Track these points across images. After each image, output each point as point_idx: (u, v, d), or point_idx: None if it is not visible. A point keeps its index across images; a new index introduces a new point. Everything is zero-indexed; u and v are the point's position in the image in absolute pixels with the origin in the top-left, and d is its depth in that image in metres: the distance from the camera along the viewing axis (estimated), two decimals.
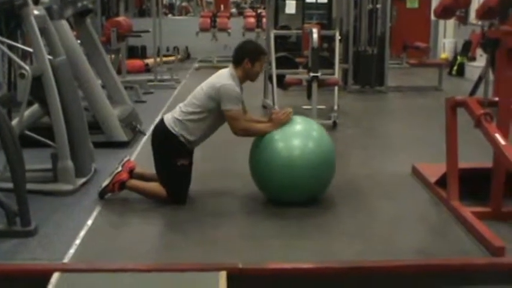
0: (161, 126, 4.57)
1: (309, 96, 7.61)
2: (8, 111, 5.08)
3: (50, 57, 4.84)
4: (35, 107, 5.21)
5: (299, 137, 4.55)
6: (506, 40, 4.08)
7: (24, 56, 5.02)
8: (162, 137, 4.56)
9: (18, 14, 4.63)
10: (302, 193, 4.48)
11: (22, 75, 4.41)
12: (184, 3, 20.62)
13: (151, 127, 6.95)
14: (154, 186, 4.57)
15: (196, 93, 4.56)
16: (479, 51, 10.57)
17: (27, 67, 4.43)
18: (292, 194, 4.47)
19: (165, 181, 4.54)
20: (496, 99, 4.24)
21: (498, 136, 3.96)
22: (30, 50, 4.78)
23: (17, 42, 4.94)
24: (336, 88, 8.23)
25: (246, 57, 4.54)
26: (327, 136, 4.63)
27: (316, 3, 13.76)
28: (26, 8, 4.64)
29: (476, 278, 3.31)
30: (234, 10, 16.64)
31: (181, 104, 4.61)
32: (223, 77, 4.52)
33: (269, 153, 4.45)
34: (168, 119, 4.56)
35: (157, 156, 4.60)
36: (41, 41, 4.72)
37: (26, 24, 4.68)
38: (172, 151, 4.52)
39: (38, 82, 4.60)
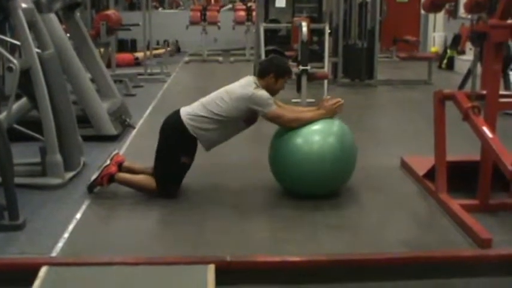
0: (176, 119, 4.54)
1: (299, 89, 7.62)
2: None
3: (39, 50, 4.83)
4: (23, 100, 5.19)
5: (320, 132, 4.52)
6: (493, 34, 4.10)
7: (13, 49, 4.99)
8: (175, 129, 4.54)
9: (6, 7, 4.61)
10: (322, 187, 4.50)
11: (10, 69, 4.39)
12: None
13: (141, 121, 7.01)
14: (144, 179, 4.57)
15: (221, 96, 4.52)
16: (468, 45, 10.60)
17: (15, 61, 4.41)
18: (312, 187, 4.49)
19: (160, 173, 4.53)
20: (484, 92, 4.26)
21: (485, 129, 3.98)
22: (18, 43, 4.76)
23: (5, 35, 4.91)
24: (326, 81, 8.25)
25: (271, 72, 4.57)
26: (349, 130, 4.65)
27: None
28: (14, 1, 4.61)
29: (463, 269, 3.34)
30: (230, 6, 16.57)
31: (203, 101, 4.57)
32: (249, 85, 4.51)
33: (293, 147, 4.45)
34: (186, 112, 4.53)
35: (163, 146, 4.58)
36: (29, 35, 4.70)
37: (14, 18, 4.65)
38: (179, 146, 4.53)
39: (26, 76, 4.58)
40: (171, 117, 4.66)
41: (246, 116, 4.50)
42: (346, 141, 4.56)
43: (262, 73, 4.62)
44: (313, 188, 4.48)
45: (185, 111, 4.56)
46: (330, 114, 4.54)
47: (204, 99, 4.59)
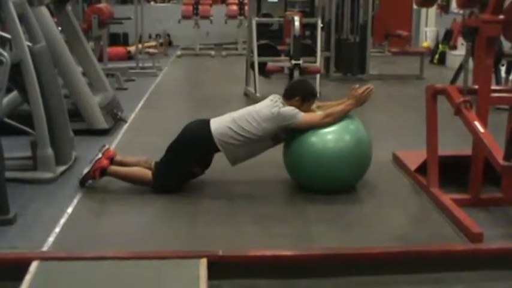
0: (205, 129, 4.48)
1: None
2: None
3: (30, 44, 4.80)
4: (14, 94, 5.16)
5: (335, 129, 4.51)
6: (485, 28, 4.10)
7: (3, 42, 4.95)
8: (201, 139, 4.50)
9: None
10: (337, 183, 4.52)
11: (0, 62, 4.35)
12: None
13: (133, 115, 7.00)
14: (137, 171, 4.56)
15: (253, 115, 4.48)
16: (460, 40, 10.62)
17: (5, 53, 4.37)
18: (327, 184, 4.49)
19: (165, 171, 4.51)
20: (476, 87, 4.26)
21: (477, 124, 3.99)
22: (9, 36, 4.73)
23: None
24: (318, 76, 8.25)
25: (298, 95, 4.57)
26: (363, 128, 4.65)
27: None
28: None
29: (455, 264, 3.35)
30: None
31: (235, 116, 4.52)
32: (276, 105, 4.50)
33: (309, 144, 4.46)
34: (217, 124, 4.50)
35: (181, 150, 4.53)
36: (20, 28, 4.67)
37: (4, 10, 4.62)
38: (199, 156, 4.55)
39: (16, 69, 4.55)
40: (199, 125, 4.60)
41: (274, 134, 4.50)
42: (362, 138, 4.57)
43: (288, 95, 4.61)
44: (330, 184, 4.50)
45: (215, 123, 4.51)
46: (360, 102, 4.54)
47: (235, 114, 4.56)
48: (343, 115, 4.50)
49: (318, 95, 4.79)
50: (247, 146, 4.49)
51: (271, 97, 4.65)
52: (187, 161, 4.52)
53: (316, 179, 4.50)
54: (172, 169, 4.51)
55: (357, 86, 4.63)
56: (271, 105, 4.52)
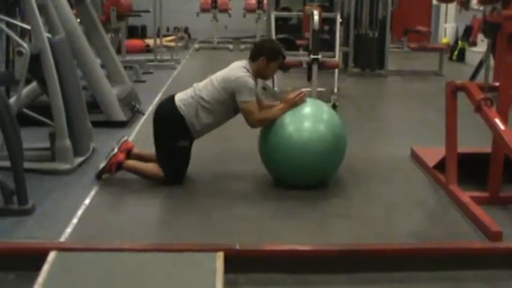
0: (170, 104, 4.53)
1: (309, 78, 7.58)
2: (6, 89, 5.07)
3: (49, 35, 4.81)
4: (33, 85, 5.19)
5: (310, 119, 4.52)
6: (507, 25, 4.05)
7: (23, 33, 4.98)
8: (168, 115, 4.53)
9: None
10: (312, 176, 4.47)
11: (20, 53, 4.38)
12: None
13: (151, 107, 7.01)
14: (151, 167, 4.56)
15: (212, 81, 4.51)
16: (480, 37, 10.54)
17: (25, 45, 4.40)
18: (302, 177, 4.45)
19: (163, 160, 4.52)
20: (497, 84, 4.22)
21: (498, 121, 3.95)
22: (29, 27, 4.75)
23: (16, 19, 4.90)
24: (336, 71, 8.22)
25: (263, 55, 4.51)
26: (338, 118, 4.61)
27: None
28: None
29: (473, 262, 3.32)
30: None
31: (196, 86, 4.56)
32: (238, 69, 4.48)
33: (280, 135, 4.41)
34: (180, 98, 4.53)
35: (159, 134, 4.57)
36: (40, 19, 4.68)
37: (24, 2, 4.63)
38: (175, 131, 4.50)
39: (36, 60, 4.57)
40: (164, 103, 4.66)
41: (231, 101, 4.45)
42: (336, 129, 4.52)
43: (253, 56, 4.55)
44: (301, 177, 4.45)
45: (179, 95, 4.55)
46: (292, 107, 4.47)
47: (196, 85, 4.58)
48: (274, 119, 4.46)
49: (285, 55, 4.70)
50: (208, 114, 4.47)
51: (236, 62, 4.60)
52: (169, 139, 4.50)
53: (288, 170, 4.46)
54: (165, 154, 4.52)
55: (290, 89, 4.58)
56: (232, 68, 4.50)
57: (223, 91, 4.43)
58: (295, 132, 4.40)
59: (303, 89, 4.55)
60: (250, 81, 4.42)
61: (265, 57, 4.51)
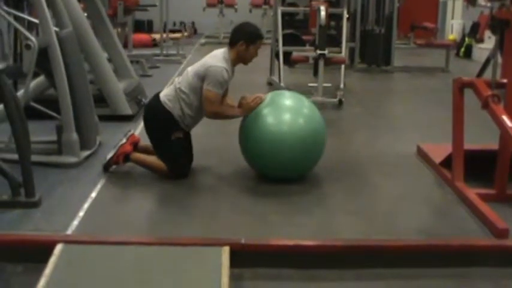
0: (156, 101, 4.56)
1: (315, 73, 7.59)
2: (14, 83, 5.08)
3: (57, 29, 4.82)
4: (41, 78, 5.20)
5: (289, 112, 4.51)
6: None
7: (31, 27, 4.99)
8: (156, 112, 4.55)
9: None
10: (288, 170, 4.47)
11: (28, 47, 4.38)
12: None
13: None
14: (158, 160, 4.57)
15: (189, 72, 4.53)
16: (487, 33, 10.50)
17: (33, 38, 4.41)
18: (280, 171, 4.46)
19: (163, 156, 4.54)
20: (504, 81, 4.21)
21: (505, 118, 3.94)
22: (37, 21, 4.76)
23: (23, 13, 4.91)
24: (343, 66, 8.22)
25: (241, 39, 4.48)
26: (318, 113, 4.60)
27: None
28: None
29: (479, 259, 3.31)
30: None
31: (176, 80, 4.60)
32: (216, 58, 4.47)
33: (259, 129, 4.42)
34: (164, 94, 4.56)
35: (152, 131, 4.60)
36: (48, 13, 4.70)
37: None
38: (166, 126, 4.51)
39: (44, 54, 4.58)
40: (151, 102, 4.70)
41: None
42: (315, 122, 4.52)
43: (232, 42, 4.53)
44: (279, 170, 4.46)
45: (164, 91, 4.60)
46: (247, 112, 4.48)
47: (177, 79, 4.62)
48: (227, 119, 4.59)
49: (263, 36, 4.69)
50: (189, 104, 4.48)
51: (215, 51, 4.59)
52: (163, 134, 4.52)
53: (267, 164, 4.48)
54: (164, 150, 4.53)
55: (247, 95, 4.58)
56: (209, 56, 4.51)
57: (196, 77, 4.44)
58: (275, 125, 4.40)
59: (260, 94, 4.53)
60: (224, 75, 4.40)
61: (244, 41, 4.49)
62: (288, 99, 4.61)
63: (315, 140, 4.47)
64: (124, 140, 4.64)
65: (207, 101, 4.42)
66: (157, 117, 4.55)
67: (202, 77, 4.42)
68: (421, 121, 6.72)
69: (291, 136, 4.36)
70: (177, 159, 4.54)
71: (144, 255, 3.06)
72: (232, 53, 4.50)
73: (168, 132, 4.50)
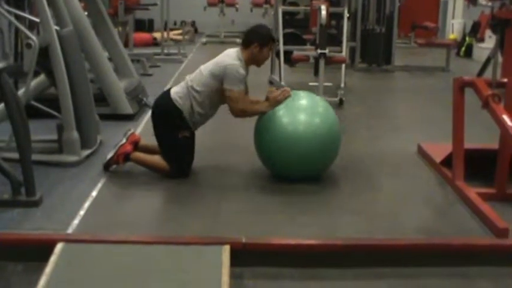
0: (166, 98, 4.55)
1: (316, 73, 7.59)
2: (15, 82, 5.07)
3: (57, 28, 4.82)
4: (42, 77, 5.20)
5: (304, 112, 4.52)
6: None
7: (31, 26, 4.98)
8: (166, 108, 4.54)
9: None
10: (306, 169, 4.46)
11: (29, 46, 4.39)
12: None
13: None
14: (158, 160, 4.57)
15: (202, 70, 4.54)
16: (488, 33, 10.49)
17: (34, 37, 4.41)
18: (297, 171, 4.46)
19: (167, 154, 4.54)
20: (505, 80, 4.21)
21: (505, 117, 3.94)
22: (37, 20, 4.76)
23: (24, 12, 4.91)
24: (343, 66, 8.21)
25: (255, 41, 4.51)
26: (333, 112, 4.61)
27: None
28: None
29: (479, 258, 3.32)
30: None
31: (188, 78, 4.59)
32: (230, 57, 4.49)
33: (275, 129, 4.42)
34: (175, 91, 4.55)
35: (159, 128, 4.59)
36: (48, 12, 4.70)
37: None
38: (174, 124, 4.51)
39: (44, 53, 4.59)
40: (161, 98, 4.68)
41: (222, 86, 4.46)
42: (331, 123, 4.52)
43: (246, 43, 4.55)
44: (296, 170, 4.46)
45: (175, 88, 4.59)
46: (275, 105, 4.47)
47: (188, 76, 4.61)
48: (255, 115, 4.54)
49: (276, 40, 4.72)
50: (201, 102, 4.48)
51: (228, 49, 4.61)
52: (171, 132, 4.52)
53: (283, 164, 4.47)
54: (169, 148, 4.53)
55: (274, 88, 4.58)
56: (224, 55, 4.52)
57: (212, 77, 4.45)
58: (290, 125, 4.40)
59: (287, 88, 4.54)
60: (241, 70, 4.43)
61: (258, 43, 4.52)
62: (303, 99, 4.59)
63: (331, 139, 4.48)
64: (124, 140, 4.64)
65: (232, 101, 4.44)
66: (166, 114, 4.54)
67: (219, 77, 4.42)
68: (421, 120, 6.72)
69: (308, 136, 4.37)
70: (181, 159, 4.54)
71: (144, 254, 3.06)
72: (245, 54, 4.52)
73: (176, 130, 4.50)
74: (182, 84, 4.59)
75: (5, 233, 3.44)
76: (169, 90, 4.61)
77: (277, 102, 4.47)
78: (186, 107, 4.48)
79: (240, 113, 4.52)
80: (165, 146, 4.56)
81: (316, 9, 7.99)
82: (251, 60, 4.56)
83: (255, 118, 4.60)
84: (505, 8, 4.21)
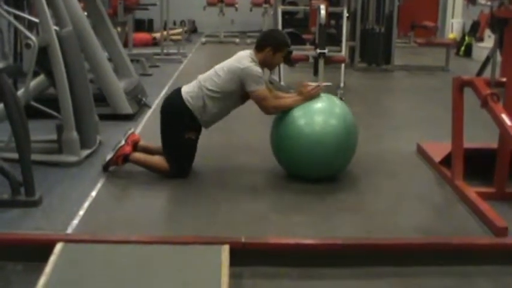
0: (177, 97, 4.54)
1: (316, 72, 7.59)
2: (14, 82, 5.09)
3: (57, 28, 4.83)
4: (41, 77, 5.20)
5: (322, 113, 4.51)
6: None
7: (31, 26, 4.99)
8: (175, 107, 4.54)
9: None
10: (324, 169, 4.48)
11: (28, 46, 4.39)
12: None
13: (157, 100, 7.02)
14: (157, 160, 4.57)
15: (217, 72, 4.52)
16: (487, 32, 10.50)
17: (33, 37, 4.41)
18: (315, 170, 4.46)
19: (168, 152, 4.54)
20: (504, 79, 4.21)
21: (504, 116, 3.94)
22: (37, 20, 4.76)
23: (24, 12, 4.91)
24: (343, 65, 8.22)
25: (269, 46, 4.52)
26: (350, 112, 4.61)
27: None
28: None
29: (478, 257, 3.32)
30: None
31: (200, 78, 4.58)
32: (245, 59, 4.48)
33: (292, 129, 4.42)
34: (186, 91, 4.54)
35: (166, 126, 4.58)
36: (48, 12, 4.70)
37: None
38: (182, 124, 4.51)
39: (44, 53, 4.59)
40: (171, 96, 4.67)
41: (239, 90, 4.47)
42: (348, 122, 4.53)
43: (259, 46, 4.56)
44: (315, 171, 4.46)
45: (185, 88, 4.57)
46: (308, 99, 4.47)
47: (201, 76, 4.60)
48: (288, 109, 4.48)
49: (290, 44, 4.72)
50: (215, 104, 4.48)
51: (242, 51, 4.60)
52: (177, 132, 4.52)
53: (301, 164, 4.47)
54: (173, 147, 4.53)
55: (307, 82, 4.58)
56: (239, 58, 4.50)
57: (230, 81, 4.44)
58: (307, 126, 4.40)
59: (321, 83, 4.54)
60: (258, 69, 4.44)
61: (271, 47, 4.52)
62: (320, 100, 4.57)
63: (349, 139, 4.50)
64: (123, 142, 4.63)
65: (260, 101, 4.45)
66: (176, 113, 4.54)
67: (239, 82, 4.42)
68: (421, 120, 6.72)
69: (325, 136, 4.37)
70: (182, 160, 4.55)
71: (144, 254, 3.07)
72: (258, 57, 4.52)
73: (183, 131, 4.50)
74: (194, 84, 4.57)
75: (5, 233, 3.43)
76: (179, 89, 4.60)
77: (311, 96, 4.47)
78: (197, 107, 4.47)
79: (273, 109, 4.51)
80: (168, 144, 4.56)
81: (315, 9, 8.01)
82: (263, 64, 4.56)
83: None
84: (504, 7, 4.21)
